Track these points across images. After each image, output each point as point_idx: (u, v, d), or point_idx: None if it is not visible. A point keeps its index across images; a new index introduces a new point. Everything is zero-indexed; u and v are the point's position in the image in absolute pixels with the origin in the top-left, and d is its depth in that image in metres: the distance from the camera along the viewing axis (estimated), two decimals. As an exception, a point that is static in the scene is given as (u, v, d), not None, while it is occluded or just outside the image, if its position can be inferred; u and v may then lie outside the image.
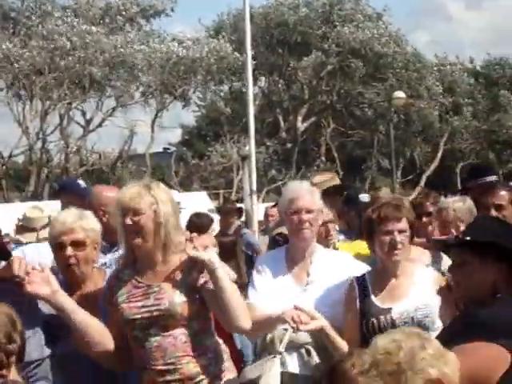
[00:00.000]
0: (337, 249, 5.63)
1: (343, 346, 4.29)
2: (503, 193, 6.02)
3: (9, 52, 28.88)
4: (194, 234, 4.12)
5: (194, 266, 4.10)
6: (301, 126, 37.26)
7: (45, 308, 4.00)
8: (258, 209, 17.24)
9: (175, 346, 4.09)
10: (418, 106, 37.28)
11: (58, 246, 4.36)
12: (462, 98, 39.26)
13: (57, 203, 7.93)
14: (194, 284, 4.11)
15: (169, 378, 4.10)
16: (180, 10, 58.82)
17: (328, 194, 6.67)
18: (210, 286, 4.07)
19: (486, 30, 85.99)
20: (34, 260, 4.35)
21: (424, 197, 6.74)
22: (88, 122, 33.10)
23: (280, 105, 38.19)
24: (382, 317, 4.38)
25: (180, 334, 4.10)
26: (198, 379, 4.12)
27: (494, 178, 6.84)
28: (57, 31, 29.39)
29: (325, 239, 5.47)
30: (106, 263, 4.85)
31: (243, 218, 13.70)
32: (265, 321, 4.39)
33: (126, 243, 4.20)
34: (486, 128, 40.18)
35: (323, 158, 38.81)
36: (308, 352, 4.50)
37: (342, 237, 6.44)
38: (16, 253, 4.79)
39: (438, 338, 2.99)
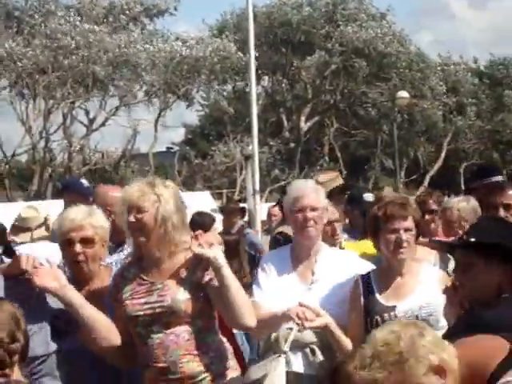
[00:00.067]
0: (343, 248, 5.64)
1: (347, 343, 4.28)
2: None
3: (12, 51, 28.89)
4: (200, 232, 4.11)
5: (199, 263, 4.09)
6: (304, 125, 37.25)
7: (52, 303, 3.99)
8: (261, 208, 17.22)
9: (177, 343, 4.07)
10: (422, 106, 37.24)
11: (66, 243, 4.36)
12: (466, 98, 39.23)
13: (60, 202, 7.93)
14: (198, 281, 4.09)
15: (170, 376, 4.08)
16: (183, 10, 58.96)
17: (332, 194, 6.66)
18: (215, 283, 4.05)
19: (486, 30, 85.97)
20: None
21: (427, 195, 6.75)
22: (91, 121, 33.12)
23: (283, 104, 38.17)
24: (386, 315, 4.36)
25: (183, 332, 4.08)
26: (199, 378, 4.10)
27: (500, 178, 6.83)
28: (60, 30, 29.40)
29: (331, 238, 5.49)
30: (112, 263, 4.84)
31: (246, 218, 13.68)
32: (270, 318, 4.39)
33: (132, 241, 4.22)
34: (490, 128, 40.16)
35: (326, 158, 38.82)
36: (313, 351, 4.49)
37: (345, 236, 6.43)
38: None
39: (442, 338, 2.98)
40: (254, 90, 19.23)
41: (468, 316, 3.48)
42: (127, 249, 5.09)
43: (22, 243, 6.31)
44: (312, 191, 4.70)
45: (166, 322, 4.08)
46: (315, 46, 35.94)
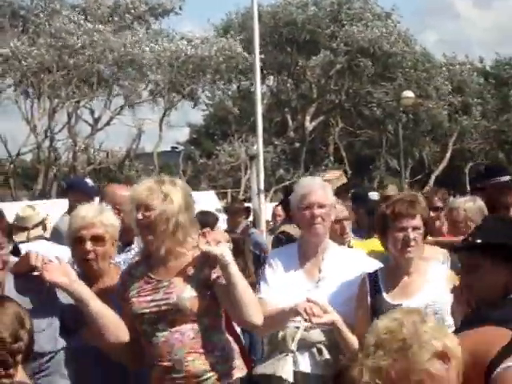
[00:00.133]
0: (351, 247, 5.63)
1: (354, 341, 4.27)
2: None
3: (17, 50, 28.91)
4: (207, 229, 4.12)
5: (206, 261, 4.08)
6: (309, 125, 37.23)
7: (63, 298, 3.98)
8: (266, 208, 17.19)
9: (182, 342, 4.05)
10: (427, 106, 37.19)
11: (77, 240, 4.37)
12: (472, 98, 39.18)
13: (65, 202, 7.92)
14: (205, 279, 4.08)
15: (174, 375, 4.06)
16: (188, 9, 58.89)
17: (337, 193, 6.64)
18: (222, 281, 4.04)
19: (491, 29, 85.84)
20: None
21: (432, 192, 6.75)
22: (96, 120, 33.12)
23: (288, 104, 38.16)
24: None
25: (188, 330, 4.06)
26: (204, 377, 4.08)
27: (507, 177, 6.82)
28: (64, 29, 29.41)
29: (340, 237, 5.50)
30: (119, 262, 4.85)
31: (251, 218, 13.66)
32: (277, 315, 4.38)
33: (141, 239, 4.23)
34: (496, 128, 40.11)
35: (331, 158, 38.81)
36: (319, 351, 4.47)
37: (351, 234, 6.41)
38: None
39: None
40: (259, 89, 19.20)
41: (474, 316, 3.46)
42: (135, 248, 5.14)
43: (21, 242, 6.30)
44: (319, 188, 4.68)
45: (171, 319, 4.06)
46: (320, 46, 35.93)
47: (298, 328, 4.41)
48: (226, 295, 4.03)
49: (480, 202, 6.09)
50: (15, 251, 4.73)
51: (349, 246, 5.56)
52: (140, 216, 4.06)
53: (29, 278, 3.94)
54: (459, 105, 38.69)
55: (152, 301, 4.10)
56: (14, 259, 4.06)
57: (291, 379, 4.35)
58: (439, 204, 6.46)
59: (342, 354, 4.31)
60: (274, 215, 10.94)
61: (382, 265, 4.65)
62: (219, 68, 32.30)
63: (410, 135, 38.49)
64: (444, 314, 4.25)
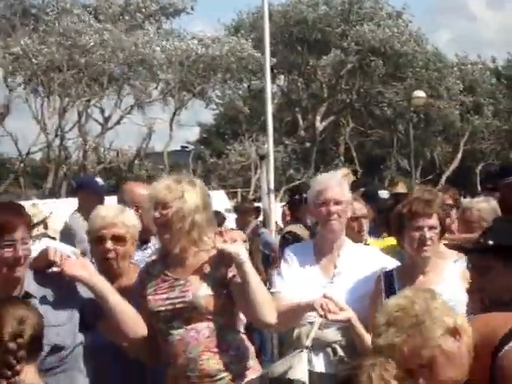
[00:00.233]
0: (368, 245, 5.63)
1: (368, 339, 4.22)
2: None
3: (27, 48, 28.95)
4: (224, 228, 4.15)
5: (222, 260, 4.10)
6: (320, 125, 37.19)
7: (83, 292, 3.98)
8: (276, 208, 17.17)
9: (197, 340, 4.08)
10: (438, 106, 37.12)
11: (97, 239, 4.45)
12: (483, 98, 39.10)
13: (74, 201, 7.92)
14: (221, 278, 4.11)
15: (189, 373, 4.07)
16: (199, 9, 59.01)
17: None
18: (238, 279, 4.07)
19: (504, 30, 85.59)
20: None
21: (443, 190, 6.74)
22: (106, 119, 33.15)
23: (299, 103, 38.16)
24: None
25: (203, 329, 4.09)
26: (218, 377, 4.09)
27: None
28: (73, 28, 29.44)
29: (357, 234, 5.50)
30: (136, 260, 4.87)
31: (261, 218, 13.64)
32: (292, 310, 4.40)
33: (158, 237, 4.27)
34: (507, 128, 40.01)
35: (342, 158, 38.78)
36: (334, 351, 4.47)
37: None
38: None
39: None
40: (269, 88, 19.14)
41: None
42: (151, 247, 5.19)
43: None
44: (336, 184, 4.68)
45: (186, 317, 4.09)
46: (331, 45, 35.90)
47: (312, 323, 4.41)
48: (241, 294, 4.05)
49: (493, 203, 6.11)
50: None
51: (365, 244, 5.56)
52: (157, 214, 4.10)
53: (47, 274, 3.96)
54: (471, 105, 38.62)
55: (167, 299, 4.13)
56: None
57: (306, 377, 4.36)
58: (450, 202, 6.45)
59: (357, 354, 4.28)
60: (284, 215, 10.90)
61: (398, 263, 4.66)
62: (230, 67, 32.30)
63: (421, 135, 38.43)
64: (460, 312, 4.23)
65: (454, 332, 2.85)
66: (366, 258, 4.69)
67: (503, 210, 6.14)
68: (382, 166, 40.88)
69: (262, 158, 20.65)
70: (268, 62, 18.25)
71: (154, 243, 5.14)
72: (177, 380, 4.12)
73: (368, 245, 5.58)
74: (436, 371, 2.84)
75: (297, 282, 4.60)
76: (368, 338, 4.24)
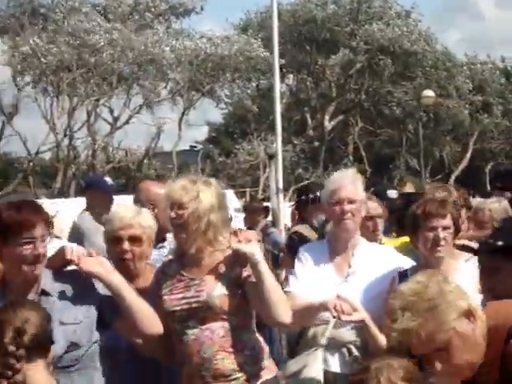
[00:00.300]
0: (382, 244, 5.61)
1: (382, 340, 4.23)
2: None
3: (36, 47, 28.98)
4: (239, 228, 4.16)
5: (237, 259, 4.12)
6: (328, 124, 37.15)
7: (101, 290, 3.99)
8: (285, 207, 17.15)
9: (212, 340, 4.10)
10: (448, 105, 37.05)
11: (114, 240, 4.49)
12: (493, 98, 39.01)
13: (83, 200, 7.91)
14: (236, 278, 4.13)
15: (204, 372, 4.09)
16: (208, 9, 58.99)
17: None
18: (253, 279, 4.08)
19: (508, 30, 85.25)
20: None
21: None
22: (115, 119, 33.15)
23: (308, 103, 38.12)
24: None
25: (218, 328, 4.11)
26: (233, 377, 4.10)
27: None
28: (82, 28, 29.46)
29: (372, 234, 5.51)
30: (152, 259, 4.88)
31: (270, 217, 13.63)
32: (305, 309, 4.38)
33: (174, 237, 4.30)
34: (517, 128, 39.91)
35: (351, 157, 38.70)
36: (349, 351, 4.47)
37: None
38: None
39: None
40: (278, 88, 19.12)
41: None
42: (167, 246, 5.24)
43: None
44: (349, 183, 4.68)
45: (201, 317, 4.11)
46: (340, 44, 35.84)
47: (327, 322, 4.41)
48: (256, 293, 4.06)
49: (505, 203, 6.11)
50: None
51: (380, 243, 5.54)
52: (173, 214, 4.12)
53: (64, 273, 3.98)
54: (480, 104, 38.52)
55: (183, 298, 4.16)
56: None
57: (321, 376, 4.36)
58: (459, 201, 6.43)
59: (371, 354, 4.26)
60: (294, 215, 10.86)
61: (413, 262, 4.65)
62: (239, 67, 32.28)
63: (431, 134, 38.35)
64: None
65: (469, 314, 2.86)
66: (380, 258, 4.68)
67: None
68: (391, 166, 40.83)
69: (271, 157, 20.64)
70: (277, 61, 18.23)
71: (169, 242, 5.17)
72: (192, 379, 4.14)
73: (382, 244, 5.57)
74: (452, 354, 2.86)
75: (311, 280, 4.60)
76: (382, 338, 4.22)
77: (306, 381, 4.38)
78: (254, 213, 11.60)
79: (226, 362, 4.09)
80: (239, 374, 4.10)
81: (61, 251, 4.00)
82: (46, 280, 3.88)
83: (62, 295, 3.87)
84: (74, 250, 3.97)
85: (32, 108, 35.84)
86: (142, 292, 4.19)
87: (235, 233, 4.15)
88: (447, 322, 2.82)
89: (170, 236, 4.95)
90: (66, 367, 3.78)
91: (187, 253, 4.19)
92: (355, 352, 4.43)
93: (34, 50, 28.94)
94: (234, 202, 19.68)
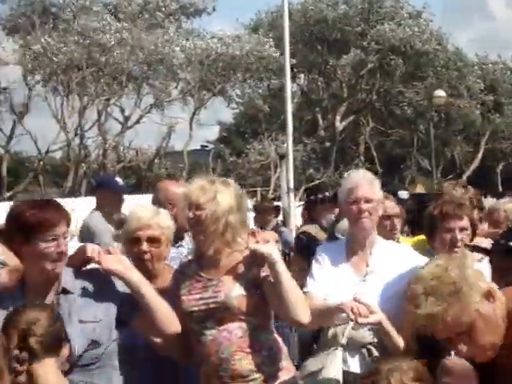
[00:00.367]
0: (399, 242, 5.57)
1: (400, 341, 4.24)
2: None
3: (47, 46, 29.01)
4: (257, 229, 4.17)
5: (255, 260, 4.12)
6: (339, 124, 37.07)
7: (120, 287, 4.00)
8: (296, 207, 17.14)
9: (230, 340, 4.11)
10: (459, 105, 36.95)
11: (133, 241, 4.50)
12: (504, 97, 38.90)
13: (93, 199, 7.90)
14: (254, 278, 4.13)
15: (221, 373, 4.10)
16: (218, 9, 58.85)
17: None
18: (271, 279, 4.09)
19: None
20: None
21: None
22: (126, 118, 33.14)
23: (319, 103, 38.06)
24: None
25: (236, 329, 4.12)
26: (251, 377, 4.10)
27: None
28: (91, 27, 29.48)
29: (389, 233, 5.51)
30: (171, 257, 4.89)
31: (280, 217, 13.62)
32: (323, 310, 4.36)
33: (192, 238, 4.31)
34: (529, 128, 39.78)
35: (362, 157, 38.64)
36: (369, 352, 4.44)
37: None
38: None
39: None
40: (289, 87, 19.16)
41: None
42: (185, 245, 5.25)
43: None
44: (366, 182, 4.65)
45: (219, 317, 4.12)
46: (351, 44, 35.76)
47: (347, 322, 4.38)
48: (274, 293, 4.05)
49: (520, 203, 6.08)
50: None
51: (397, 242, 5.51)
52: (191, 215, 4.13)
53: (84, 271, 4.00)
54: (491, 104, 38.42)
55: (201, 299, 4.17)
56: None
57: (340, 375, 4.33)
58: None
59: (389, 354, 4.24)
60: (304, 214, 10.85)
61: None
62: (250, 67, 32.25)
63: (442, 135, 38.27)
64: None
65: (489, 295, 2.87)
66: (398, 256, 4.64)
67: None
68: (403, 166, 40.77)
69: (282, 157, 20.69)
70: (288, 61, 18.24)
71: (187, 241, 5.19)
72: (210, 379, 4.15)
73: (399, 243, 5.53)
74: (475, 336, 2.86)
75: (329, 280, 4.58)
76: (399, 340, 4.22)
77: (325, 381, 4.36)
78: (265, 212, 11.58)
79: (244, 362, 4.09)
80: (257, 375, 4.11)
81: (81, 249, 4.02)
82: (67, 278, 3.90)
83: (83, 293, 3.90)
84: (94, 249, 3.98)
85: (42, 107, 35.94)
86: (161, 292, 4.19)
87: (253, 233, 4.14)
88: (471, 305, 2.82)
89: (188, 235, 4.96)
90: (87, 365, 3.79)
91: (205, 254, 4.20)
92: (375, 352, 4.40)
93: (44, 49, 28.96)
94: (244, 201, 19.68)
